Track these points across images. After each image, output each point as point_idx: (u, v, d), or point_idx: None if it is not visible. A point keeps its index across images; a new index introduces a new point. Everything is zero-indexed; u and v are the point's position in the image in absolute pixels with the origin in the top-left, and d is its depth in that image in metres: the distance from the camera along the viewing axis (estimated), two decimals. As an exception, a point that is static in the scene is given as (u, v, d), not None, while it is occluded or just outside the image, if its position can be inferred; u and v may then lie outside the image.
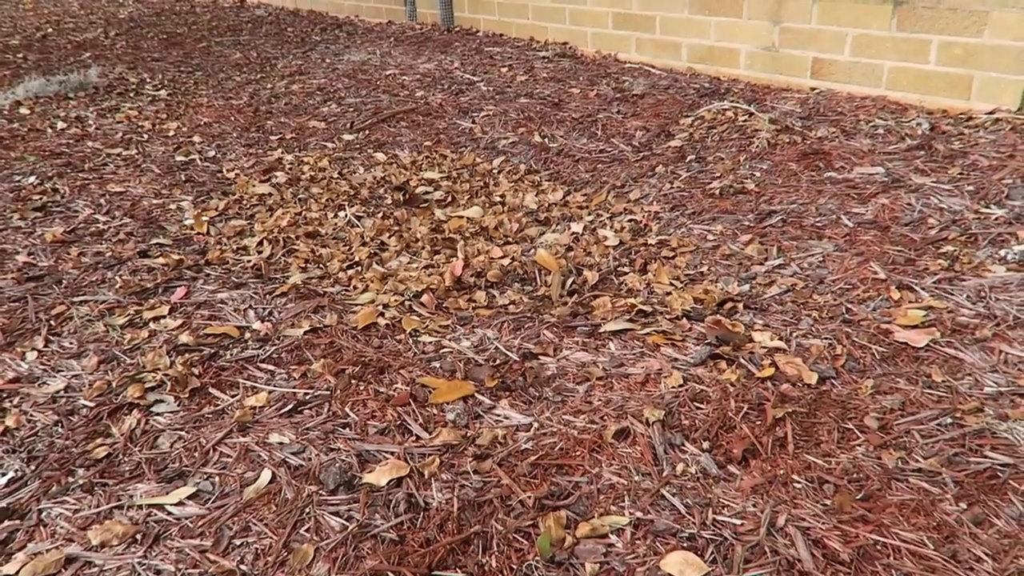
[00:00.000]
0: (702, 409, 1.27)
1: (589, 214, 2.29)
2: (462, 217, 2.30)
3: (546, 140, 2.88)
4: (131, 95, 3.81)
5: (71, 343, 1.56)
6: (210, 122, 3.22)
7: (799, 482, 1.13)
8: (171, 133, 3.09)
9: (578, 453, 1.17)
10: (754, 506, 1.09)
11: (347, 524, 1.07)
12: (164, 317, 1.64)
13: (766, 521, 1.05)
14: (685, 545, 1.02)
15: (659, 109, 3.09)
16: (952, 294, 1.66)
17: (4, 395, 1.40)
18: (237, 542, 1.05)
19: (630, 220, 2.22)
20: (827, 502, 1.09)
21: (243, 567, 1.01)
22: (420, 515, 1.08)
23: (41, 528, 1.09)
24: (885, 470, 1.15)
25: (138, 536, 1.07)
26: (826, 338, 1.54)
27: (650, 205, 2.30)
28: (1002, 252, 1.82)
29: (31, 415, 1.34)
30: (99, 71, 4.27)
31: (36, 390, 1.41)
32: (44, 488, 1.16)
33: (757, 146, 2.60)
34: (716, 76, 3.44)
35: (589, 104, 3.23)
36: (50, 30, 6.39)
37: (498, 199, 2.44)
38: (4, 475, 1.17)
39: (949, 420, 1.25)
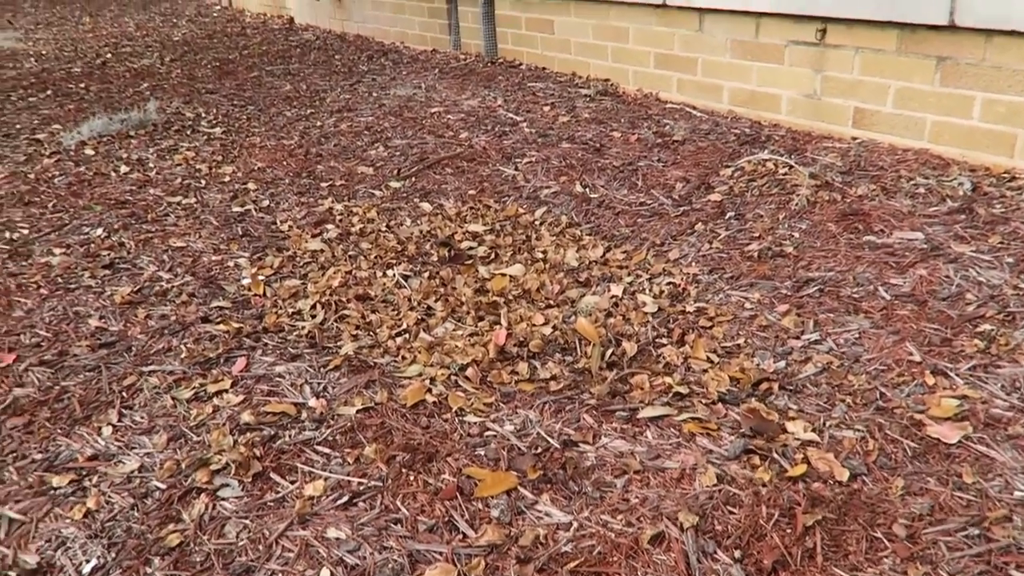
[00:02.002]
0: (735, 514, 1.33)
1: (628, 274, 2.36)
2: (505, 275, 2.38)
3: (587, 190, 2.94)
4: (188, 132, 3.97)
5: (142, 417, 1.68)
6: (263, 167, 3.35)
7: (827, 595, 1.18)
8: (227, 179, 3.23)
9: (615, 559, 1.24)
10: (783, 620, 1.14)
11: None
12: (227, 391, 1.75)
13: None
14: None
15: (699, 157, 3.14)
16: (986, 382, 1.69)
17: (84, 473, 1.51)
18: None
19: (668, 283, 2.27)
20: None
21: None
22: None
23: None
24: (911, 584, 1.20)
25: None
26: (859, 429, 1.58)
27: (688, 267, 2.35)
28: (1040, 334, 1.84)
29: (109, 496, 1.45)
30: (157, 105, 4.45)
31: (112, 469, 1.52)
32: None
33: (797, 203, 2.63)
34: (757, 120, 3.47)
35: (630, 150, 3.28)
36: (109, 55, 6.64)
37: (540, 255, 2.51)
38: (88, 563, 1.28)
39: (976, 532, 1.29)
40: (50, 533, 1.38)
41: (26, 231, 2.74)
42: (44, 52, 7.06)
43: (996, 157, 2.70)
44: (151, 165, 3.43)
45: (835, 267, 2.24)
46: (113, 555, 1.31)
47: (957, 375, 1.73)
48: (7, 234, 2.72)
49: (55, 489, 1.48)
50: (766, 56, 3.33)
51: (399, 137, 3.68)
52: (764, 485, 1.41)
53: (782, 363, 1.85)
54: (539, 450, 1.55)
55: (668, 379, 1.80)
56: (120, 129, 3.95)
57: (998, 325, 1.89)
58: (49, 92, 5.15)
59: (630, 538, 1.29)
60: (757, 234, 2.48)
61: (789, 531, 1.29)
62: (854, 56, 3.01)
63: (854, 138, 3.11)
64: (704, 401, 1.70)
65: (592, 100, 3.99)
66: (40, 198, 3.06)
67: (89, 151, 3.67)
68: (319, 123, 4.02)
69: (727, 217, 2.62)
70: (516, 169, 3.19)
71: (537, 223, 2.75)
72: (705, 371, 1.84)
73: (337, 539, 1.31)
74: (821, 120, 3.21)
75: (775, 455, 1.50)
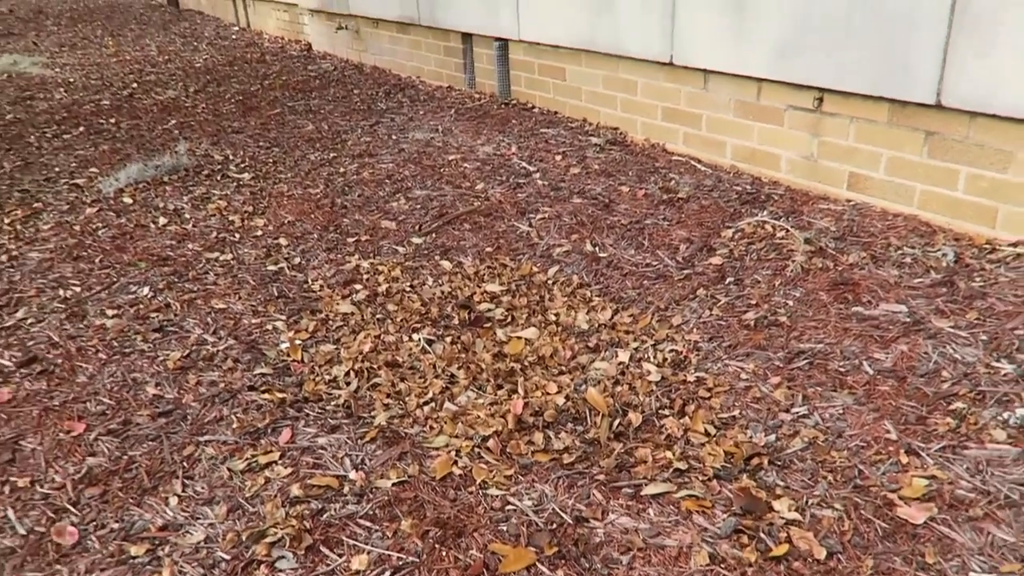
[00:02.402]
0: (724, 593, 1.54)
1: (634, 340, 2.56)
2: (521, 338, 2.60)
3: (596, 249, 3.15)
4: (218, 178, 4.19)
5: (203, 488, 1.89)
6: (293, 220, 3.57)
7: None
8: (259, 232, 3.45)
9: (621, 635, 1.45)
10: None
11: None
12: (276, 463, 1.96)
13: None
14: None
15: (703, 216, 3.34)
16: (953, 464, 1.89)
17: (157, 543, 1.73)
18: None
19: (671, 351, 2.48)
20: None
21: None
22: None
23: None
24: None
25: None
26: (837, 508, 1.78)
27: (690, 333, 2.56)
28: (1006, 415, 2.04)
29: (181, 566, 1.67)
30: (187, 147, 4.68)
31: (182, 539, 1.74)
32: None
33: (792, 270, 2.84)
34: (758, 177, 3.67)
35: (637, 206, 3.49)
36: (135, 85, 6.87)
37: (552, 317, 2.72)
38: (169, 632, 1.49)
39: (933, 613, 1.50)
40: (132, 600, 1.60)
41: (78, 288, 2.97)
42: (72, 79, 7.30)
43: (979, 227, 2.89)
44: (187, 216, 3.66)
45: (824, 339, 2.44)
46: (190, 624, 1.53)
47: (928, 455, 1.93)
48: (61, 291, 2.95)
49: (133, 558, 1.70)
50: (766, 117, 3.54)
51: (419, 187, 3.90)
52: (750, 565, 1.62)
53: (772, 436, 2.06)
54: (554, 526, 1.76)
55: (669, 453, 2.01)
56: (155, 175, 4.18)
57: (969, 404, 2.10)
58: (82, 129, 5.39)
59: (634, 615, 1.50)
60: (754, 301, 2.69)
61: (771, 611, 1.50)
62: (849, 124, 3.21)
63: (848, 200, 3.31)
64: (701, 477, 1.91)
65: (602, 150, 4.20)
66: (87, 252, 3.29)
67: (127, 199, 3.90)
68: (342, 169, 4.24)
69: (727, 282, 2.83)
70: (530, 225, 3.40)
71: (550, 283, 2.96)
72: (703, 444, 2.04)
73: (382, 613, 1.53)
74: (818, 181, 3.41)
75: (761, 534, 1.71)
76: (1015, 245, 2.78)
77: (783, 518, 1.76)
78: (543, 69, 4.89)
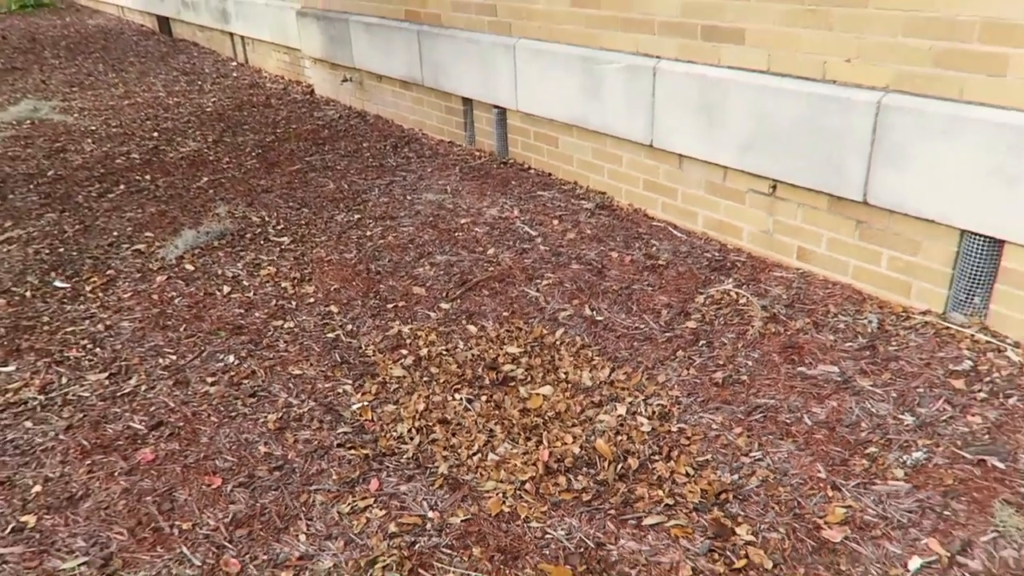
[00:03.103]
0: (703, 596, 2.27)
1: (629, 395, 3.28)
2: (540, 395, 3.31)
3: (594, 313, 3.87)
4: (261, 242, 4.84)
5: (321, 526, 2.58)
6: (337, 287, 4.24)
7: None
8: (311, 300, 4.11)
9: (635, 626, 2.17)
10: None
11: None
12: (372, 507, 2.65)
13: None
14: None
15: (680, 283, 4.07)
16: (864, 496, 2.63)
17: (299, 570, 2.41)
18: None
19: (659, 404, 3.20)
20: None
21: None
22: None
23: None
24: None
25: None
26: (781, 531, 2.52)
27: (672, 389, 3.28)
28: (904, 457, 2.79)
29: (320, 587, 2.35)
30: (226, 209, 5.32)
31: (316, 566, 2.42)
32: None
33: (751, 334, 3.58)
34: (725, 244, 4.41)
35: (625, 272, 4.21)
36: (155, 134, 7.45)
37: (563, 375, 3.43)
38: (326, 632, 2.18)
39: (841, 605, 2.23)
40: (290, 611, 2.28)
41: (173, 356, 3.62)
42: (93, 127, 7.86)
43: (898, 297, 3.66)
44: (245, 283, 4.31)
45: (776, 395, 3.18)
46: (338, 626, 2.21)
47: (847, 490, 2.67)
48: (160, 360, 3.59)
49: (284, 582, 2.38)
50: (731, 197, 4.28)
51: (439, 252, 4.58)
52: (720, 575, 2.34)
53: (736, 476, 2.78)
54: (582, 549, 2.47)
55: (660, 491, 2.73)
56: (206, 241, 4.82)
57: (879, 448, 2.84)
58: (122, 187, 5.99)
59: (642, 612, 2.22)
60: (721, 362, 3.42)
61: (734, 607, 2.23)
62: (797, 208, 3.96)
63: (798, 269, 4.06)
64: (684, 510, 2.63)
65: (592, 215, 4.92)
66: (171, 321, 3.93)
67: (188, 266, 4.54)
68: (368, 232, 4.90)
69: (700, 344, 3.56)
70: (537, 291, 4.10)
71: (558, 344, 3.67)
72: (685, 483, 2.77)
73: (472, 615, 2.23)
74: (774, 251, 4.16)
75: (728, 552, 2.44)
76: (924, 314, 3.55)
77: (743, 540, 2.49)
78: (538, 136, 5.59)
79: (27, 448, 3.03)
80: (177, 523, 2.61)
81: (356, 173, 6.03)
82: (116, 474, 2.85)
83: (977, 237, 3.24)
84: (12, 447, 3.03)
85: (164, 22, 13.99)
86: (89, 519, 2.65)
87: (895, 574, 2.34)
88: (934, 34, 3.16)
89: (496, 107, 5.83)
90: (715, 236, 4.48)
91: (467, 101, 6.19)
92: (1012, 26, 2.92)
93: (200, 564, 2.45)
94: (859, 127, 3.47)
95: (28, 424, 3.17)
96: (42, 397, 3.34)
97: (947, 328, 3.43)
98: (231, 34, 10.99)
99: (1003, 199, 3.07)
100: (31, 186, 6.09)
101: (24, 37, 14.86)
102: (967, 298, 3.38)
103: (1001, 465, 2.69)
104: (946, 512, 2.53)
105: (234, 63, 11.05)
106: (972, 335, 3.35)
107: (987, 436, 2.83)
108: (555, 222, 4.88)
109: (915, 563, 2.35)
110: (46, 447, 3.02)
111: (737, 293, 3.91)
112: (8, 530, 2.62)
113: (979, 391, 3.04)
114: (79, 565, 2.46)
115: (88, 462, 2.92)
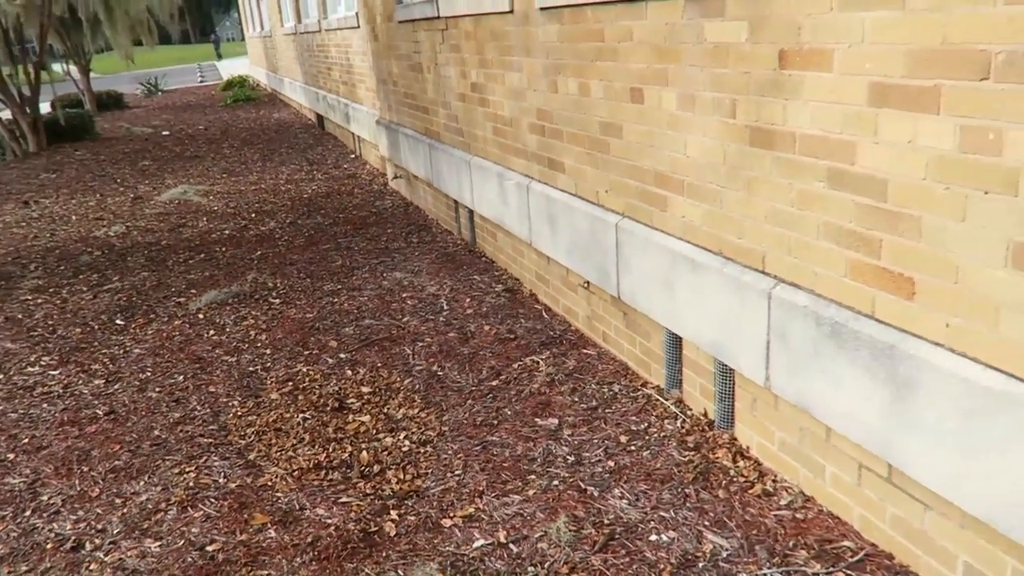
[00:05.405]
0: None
1: (416, 426, 4.55)
2: (358, 421, 4.67)
3: (438, 369, 5.15)
4: (260, 302, 6.59)
5: (156, 479, 4.10)
6: (282, 337, 5.85)
7: None
8: (258, 344, 5.75)
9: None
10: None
11: None
12: (190, 472, 4.15)
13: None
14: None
15: (513, 352, 5.25)
16: (494, 500, 3.73)
17: (131, 500, 3.95)
18: None
19: (427, 434, 4.44)
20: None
21: None
22: None
23: None
24: None
25: None
26: (411, 518, 3.69)
27: (445, 425, 4.50)
28: (541, 482, 3.83)
29: (133, 509, 3.87)
30: (253, 276, 7.18)
31: (140, 502, 3.95)
32: None
33: (525, 393, 4.70)
34: (570, 325, 5.52)
35: (484, 341, 5.45)
36: (252, 215, 9.62)
37: (386, 410, 4.76)
38: None
39: None
40: (110, 519, 3.82)
41: (148, 374, 5.38)
42: (216, 208, 10.25)
43: (645, 375, 4.63)
44: (227, 330, 6.04)
45: (504, 435, 4.30)
46: None
47: (488, 497, 3.77)
48: (140, 375, 5.37)
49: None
50: (572, 288, 5.43)
51: (368, 317, 6.07)
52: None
53: (432, 484, 3.97)
54: (292, 509, 3.80)
55: (370, 484, 3.98)
56: (223, 299, 6.66)
57: (536, 476, 3.90)
58: (202, 255, 8.10)
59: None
60: (491, 411, 4.58)
61: None
62: (600, 301, 5.05)
63: (600, 347, 5.11)
64: (378, 497, 3.87)
65: (498, 296, 6.18)
66: (163, 351, 5.73)
67: (200, 315, 6.36)
68: (335, 300, 6.50)
69: (487, 397, 4.73)
70: (412, 351, 5.45)
71: (399, 389, 4.99)
72: (396, 484, 4.00)
73: (194, 532, 3.65)
74: (593, 333, 5.24)
75: (378, 513, 3.66)
76: (646, 386, 4.50)
77: (396, 506, 3.69)
78: (487, 230, 7.00)
79: (35, 417, 4.87)
80: (83, 468, 4.26)
81: (362, 253, 7.73)
82: (69, 437, 4.58)
83: (665, 329, 4.22)
84: (27, 418, 4.89)
85: (320, 118, 16.97)
86: (41, 459, 4.38)
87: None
88: (638, 177, 4.27)
89: (465, 206, 7.33)
90: (567, 319, 5.61)
91: (454, 200, 7.74)
92: (668, 177, 3.99)
93: (77, 487, 4.06)
94: (611, 242, 4.58)
95: (44, 404, 5.04)
96: (60, 389, 5.22)
97: (657, 399, 4.38)
98: (352, 132, 13.42)
99: (668, 301, 4.07)
100: (145, 252, 8.40)
101: (219, 128, 18.53)
102: (672, 376, 4.33)
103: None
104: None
105: (352, 156, 13.42)
106: (668, 406, 4.28)
107: (601, 471, 3.79)
108: (467, 300, 6.22)
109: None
110: (43, 419, 4.84)
111: (541, 362, 5.04)
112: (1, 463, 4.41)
113: (632, 444, 4.01)
114: (19, 483, 4.16)
115: (59, 429, 4.69)
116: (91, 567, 3.45)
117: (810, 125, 2.93)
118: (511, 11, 5.37)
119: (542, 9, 4.90)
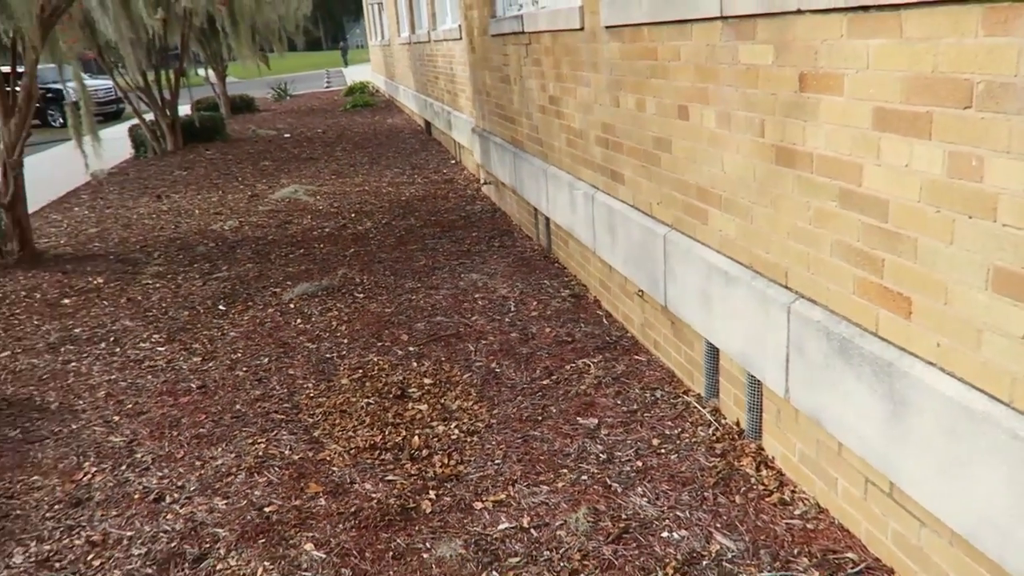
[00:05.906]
0: (369, 512, 3.89)
1: (468, 416, 4.86)
2: (416, 409, 5.04)
3: (496, 367, 5.45)
4: (345, 295, 7.11)
5: (231, 448, 4.61)
6: (359, 328, 6.31)
7: None
8: (338, 334, 6.24)
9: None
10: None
11: None
12: (262, 443, 4.63)
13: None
14: None
15: (568, 354, 5.48)
16: (527, 491, 3.99)
17: (207, 464, 4.46)
18: None
19: (477, 424, 4.75)
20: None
21: None
22: None
23: None
24: None
25: None
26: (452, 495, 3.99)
27: (494, 418, 4.79)
28: (571, 476, 4.05)
29: (209, 471, 4.37)
30: (343, 272, 7.71)
31: (216, 466, 4.45)
32: None
33: (572, 394, 4.93)
34: (627, 332, 5.70)
35: (543, 343, 5.71)
36: (352, 215, 10.24)
37: (443, 401, 5.11)
38: (193, 488, 4.18)
39: None
40: (189, 479, 4.34)
41: (239, 355, 5.96)
42: (321, 207, 10.97)
43: (688, 382, 4.76)
44: (313, 319, 6.58)
45: (545, 431, 4.55)
46: (200, 487, 4.22)
47: (521, 486, 4.03)
48: (232, 356, 5.95)
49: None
50: (630, 296, 5.61)
51: (440, 315, 6.45)
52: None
53: (473, 471, 4.27)
54: (341, 483, 4.19)
55: (418, 467, 4.33)
56: (314, 291, 7.23)
57: (567, 471, 4.13)
58: (302, 251, 8.75)
59: (334, 512, 3.91)
60: (539, 409, 4.84)
61: None
62: (652, 309, 5.21)
63: (651, 355, 5.26)
64: (422, 478, 4.21)
65: (564, 301, 6.43)
66: (255, 335, 6.31)
67: (291, 305, 6.94)
68: (414, 297, 6.91)
69: (536, 395, 5.00)
70: (475, 347, 5.78)
71: (458, 381, 5.33)
72: (440, 468, 4.32)
73: (256, 495, 4.10)
74: (646, 341, 5.40)
75: (419, 489, 3.99)
76: (687, 393, 4.62)
77: (436, 491, 4.01)
78: (561, 237, 7.25)
79: (140, 387, 5.52)
80: (173, 433, 4.83)
81: (445, 254, 8.14)
82: (165, 406, 5.18)
83: (704, 339, 4.35)
84: (134, 387, 5.54)
85: (428, 124, 17.68)
86: (140, 423, 4.98)
87: (486, 529, 3.71)
88: (683, 190, 4.42)
89: (543, 213, 7.61)
90: (624, 325, 5.79)
91: (533, 207, 8.03)
92: (708, 191, 4.13)
93: (166, 449, 4.61)
94: (659, 252, 4.74)
95: (149, 376, 5.69)
96: (164, 363, 5.87)
97: (696, 407, 4.50)
98: (453, 139, 13.97)
99: (705, 312, 4.20)
100: (252, 245, 9.16)
101: (335, 132, 19.59)
102: (711, 385, 4.45)
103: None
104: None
105: (452, 161, 13.96)
106: (704, 414, 4.40)
107: (629, 470, 3.97)
108: (534, 302, 6.50)
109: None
110: (147, 388, 5.48)
111: (592, 365, 5.25)
112: (99, 408, 5.04)
113: (663, 447, 4.16)
114: (119, 441, 4.76)
115: (158, 398, 5.30)
116: (167, 516, 3.95)
117: (825, 146, 3.04)
118: (582, 28, 5.62)
119: (607, 27, 5.12)
